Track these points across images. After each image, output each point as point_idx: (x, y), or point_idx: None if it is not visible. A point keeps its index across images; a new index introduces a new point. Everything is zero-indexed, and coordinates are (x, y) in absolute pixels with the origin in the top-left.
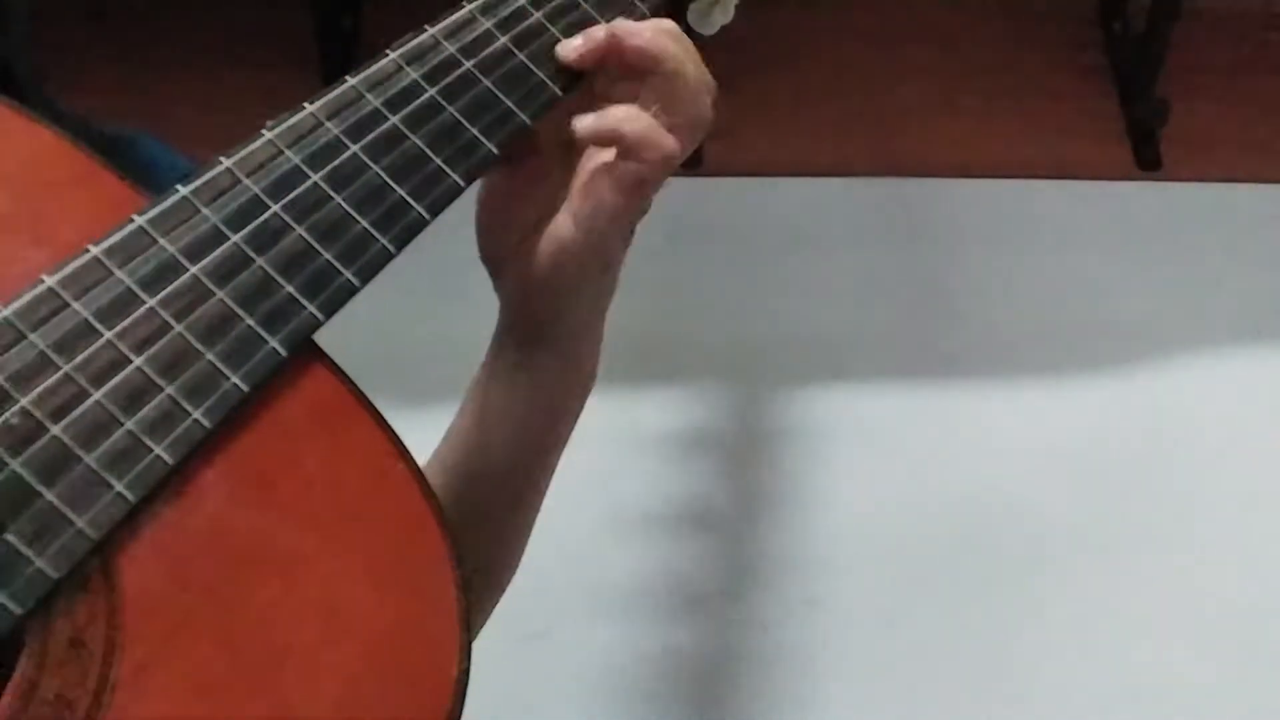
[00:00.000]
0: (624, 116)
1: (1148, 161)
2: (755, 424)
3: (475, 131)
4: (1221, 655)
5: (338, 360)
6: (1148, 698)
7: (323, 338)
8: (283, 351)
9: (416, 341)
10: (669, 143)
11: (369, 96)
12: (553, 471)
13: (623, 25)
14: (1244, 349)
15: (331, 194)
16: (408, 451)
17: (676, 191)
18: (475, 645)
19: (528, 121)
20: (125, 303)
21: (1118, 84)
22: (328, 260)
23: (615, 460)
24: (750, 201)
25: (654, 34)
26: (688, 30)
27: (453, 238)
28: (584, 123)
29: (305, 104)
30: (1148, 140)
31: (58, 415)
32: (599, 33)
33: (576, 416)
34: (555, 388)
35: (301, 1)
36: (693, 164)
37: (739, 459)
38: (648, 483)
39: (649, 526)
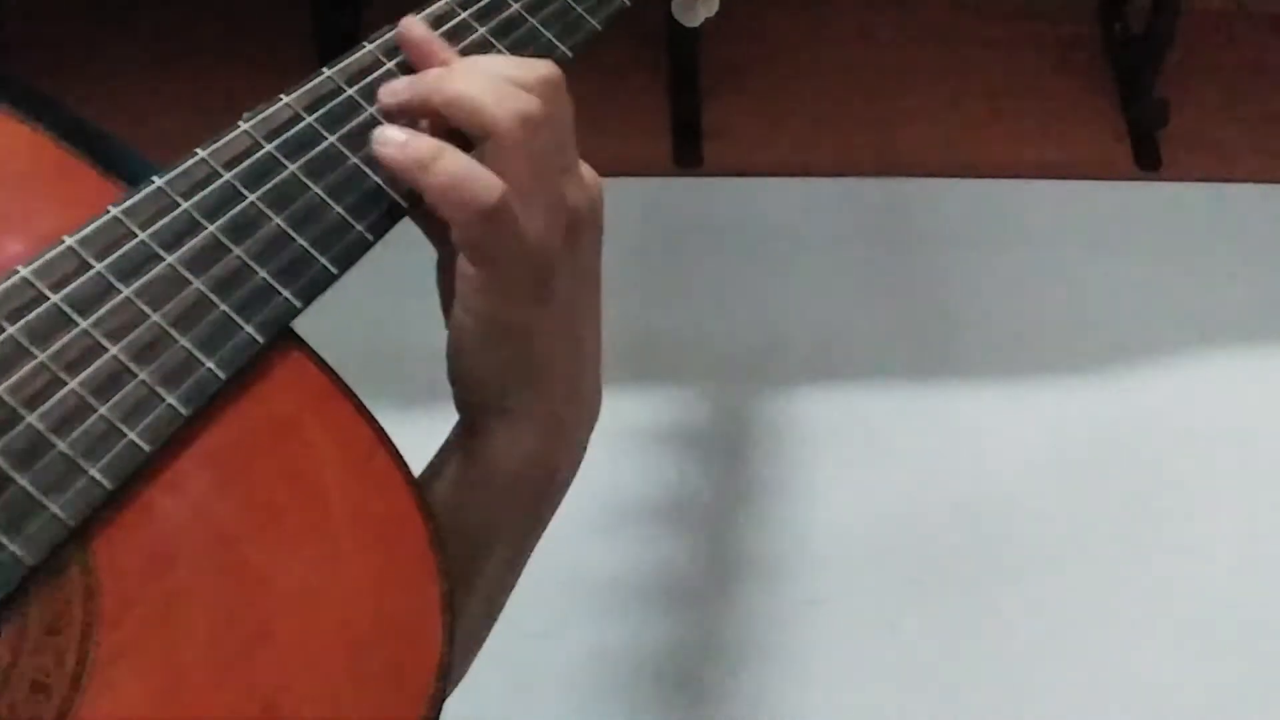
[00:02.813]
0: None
1: (1148, 161)
2: (754, 423)
3: None
4: (1220, 656)
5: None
6: (1147, 698)
7: (310, 338)
8: (260, 339)
9: (401, 340)
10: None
11: (345, 88)
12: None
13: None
14: (1244, 349)
15: (308, 183)
16: (389, 439)
17: (675, 191)
18: None
19: None
20: (101, 292)
21: (1118, 84)
22: (304, 248)
23: (613, 460)
24: (750, 201)
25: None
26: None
27: None
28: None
29: (282, 95)
30: (1148, 140)
31: (32, 403)
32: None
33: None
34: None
35: (301, 1)
36: (693, 164)
37: (738, 459)
38: (645, 482)
39: (646, 527)
